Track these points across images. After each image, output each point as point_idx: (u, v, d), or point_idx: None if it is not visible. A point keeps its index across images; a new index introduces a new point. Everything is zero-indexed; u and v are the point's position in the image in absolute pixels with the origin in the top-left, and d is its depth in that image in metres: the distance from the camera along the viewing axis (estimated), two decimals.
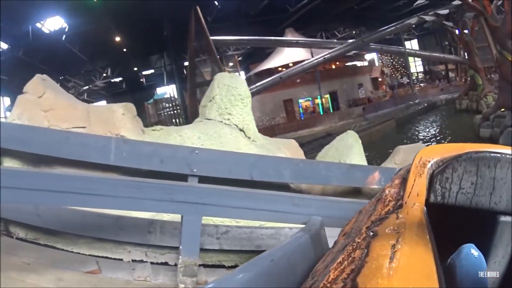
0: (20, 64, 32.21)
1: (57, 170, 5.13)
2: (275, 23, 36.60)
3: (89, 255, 4.72)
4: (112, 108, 5.81)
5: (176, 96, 37.18)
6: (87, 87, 42.83)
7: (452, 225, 1.86)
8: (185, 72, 33.84)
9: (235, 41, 30.72)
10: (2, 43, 30.82)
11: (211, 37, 25.18)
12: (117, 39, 31.35)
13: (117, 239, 4.58)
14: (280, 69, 38.82)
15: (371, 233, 1.51)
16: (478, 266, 1.48)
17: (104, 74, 41.64)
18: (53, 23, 29.65)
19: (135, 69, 42.74)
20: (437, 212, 1.71)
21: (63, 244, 4.88)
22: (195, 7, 24.83)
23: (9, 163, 5.47)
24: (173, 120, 33.50)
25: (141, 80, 45.08)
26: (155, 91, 46.07)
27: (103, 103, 42.87)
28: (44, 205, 4.65)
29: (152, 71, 43.91)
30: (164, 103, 35.70)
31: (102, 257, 4.60)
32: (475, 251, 1.50)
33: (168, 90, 42.00)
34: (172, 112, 34.62)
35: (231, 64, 42.11)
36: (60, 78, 37.47)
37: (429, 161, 1.78)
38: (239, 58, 43.76)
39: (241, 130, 5.88)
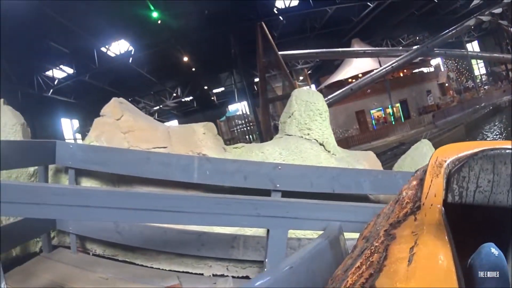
0: (87, 88, 33.36)
1: (145, 190, 5.28)
2: (340, 34, 36.41)
3: (169, 270, 4.93)
4: (193, 128, 6.01)
5: (248, 113, 37.27)
6: (157, 107, 43.53)
7: (471, 224, 1.83)
8: (255, 88, 33.92)
9: (303, 54, 30.60)
10: (68, 68, 31.86)
11: (280, 52, 25.16)
12: (185, 59, 31.73)
13: (199, 254, 4.73)
14: (350, 80, 38.58)
15: (389, 236, 1.55)
16: (498, 265, 1.46)
17: (174, 94, 42.22)
18: (118, 47, 30.24)
19: (206, 87, 43.13)
20: (455, 212, 1.70)
21: (142, 260, 5.11)
22: (260, 23, 24.92)
23: (88, 183, 5.74)
24: (246, 137, 33.66)
25: (212, 98, 45.48)
26: (227, 109, 46.50)
27: (174, 122, 43.53)
28: (126, 223, 4.88)
29: (222, 88, 44.25)
30: (236, 120, 36.02)
31: (183, 272, 4.72)
32: (495, 250, 1.48)
33: (239, 107, 42.23)
34: (245, 128, 34.92)
35: (301, 78, 42.03)
36: (130, 99, 38.38)
37: (445, 161, 1.78)
38: (309, 72, 43.65)
39: (321, 144, 5.86)
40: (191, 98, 44.71)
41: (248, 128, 34.82)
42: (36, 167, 5.82)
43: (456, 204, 1.68)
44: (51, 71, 32.56)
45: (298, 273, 2.24)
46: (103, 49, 30.01)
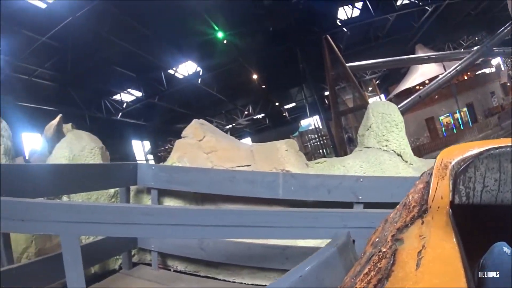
0: (157, 110, 34.21)
1: (231, 207, 5.51)
2: (404, 41, 36.00)
3: (252, 284, 5.11)
4: (276, 146, 6.13)
5: (320, 127, 37.21)
6: (230, 126, 43.92)
7: (481, 225, 1.82)
8: (326, 101, 33.84)
9: (370, 65, 30.25)
10: (136, 91, 32.79)
11: (347, 64, 25.01)
12: (254, 76, 31.97)
13: (283, 268, 4.72)
14: (417, 87, 38.01)
15: (397, 241, 1.54)
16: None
17: (246, 112, 42.38)
18: (186, 68, 30.70)
19: (277, 104, 43.22)
20: (463, 213, 1.70)
21: (225, 275, 5.31)
22: (325, 36, 24.90)
23: (170, 203, 5.95)
24: (319, 151, 33.57)
25: (284, 114, 45.57)
26: (299, 124, 46.49)
27: (247, 140, 43.89)
28: (212, 239, 5.09)
29: (293, 104, 44.25)
30: (309, 135, 36.01)
31: (265, 285, 4.86)
32: (507, 249, 1.47)
33: (311, 121, 42.16)
34: (318, 142, 34.98)
35: (370, 88, 41.71)
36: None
37: (451, 162, 1.76)
38: (377, 82, 43.20)
39: (398, 155, 5.92)
40: (263, 115, 44.86)
41: (322, 142, 34.71)
42: (117, 189, 6.11)
43: (463, 205, 1.69)
44: (118, 95, 33.52)
45: (307, 282, 2.30)
46: (171, 71, 30.64)
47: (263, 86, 35.14)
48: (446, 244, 1.33)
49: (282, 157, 5.92)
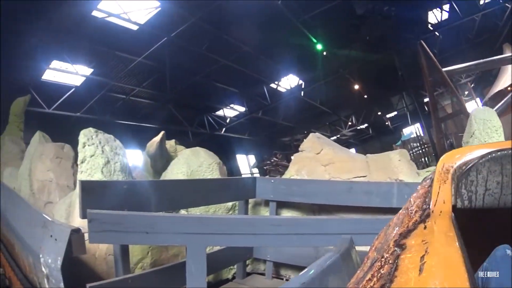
0: (261, 124, 34.84)
1: (347, 216, 5.90)
2: (492, 42, 34.79)
3: None
4: (389, 156, 6.51)
5: (422, 134, 36.45)
6: (335, 137, 43.76)
7: (484, 228, 1.88)
8: (426, 108, 33.11)
9: (463, 68, 29.33)
10: (239, 106, 33.46)
11: (443, 69, 24.50)
12: (356, 87, 31.85)
13: None
14: (509, 89, 36.50)
15: (399, 247, 1.54)
16: None
17: (350, 123, 41.97)
18: (288, 82, 30.85)
19: (379, 113, 42.70)
20: (466, 217, 1.75)
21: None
22: (420, 41, 24.58)
23: (288, 214, 6.38)
24: (421, 159, 32.96)
25: (386, 123, 44.86)
26: (401, 132, 45.58)
27: (352, 150, 43.46)
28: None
29: (395, 113, 43.49)
30: (412, 143, 35.34)
31: None
32: (510, 252, 1.53)
33: (413, 130, 41.27)
34: (420, 151, 34.38)
35: (466, 92, 40.41)
36: (305, 132, 38.87)
37: (452, 167, 1.80)
38: (472, 85, 41.72)
39: None
40: (366, 125, 44.33)
41: (424, 150, 34.02)
42: (235, 202, 6.64)
43: (466, 208, 1.74)
44: (221, 110, 34.27)
45: None
46: (273, 85, 31.03)
47: (365, 96, 34.84)
48: (449, 249, 1.38)
49: (396, 167, 6.23)
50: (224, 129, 35.50)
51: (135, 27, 21.45)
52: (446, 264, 1.29)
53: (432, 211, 1.72)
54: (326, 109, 36.34)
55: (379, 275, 1.44)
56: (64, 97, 26.60)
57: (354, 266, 2.79)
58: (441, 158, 1.91)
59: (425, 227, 1.62)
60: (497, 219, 1.82)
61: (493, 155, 1.71)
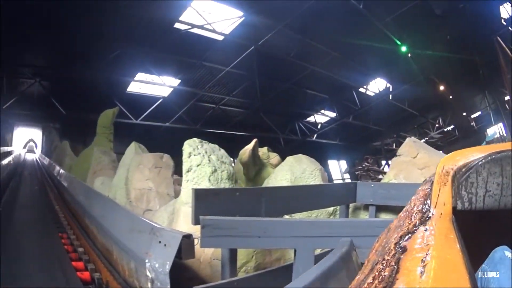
0: (352, 129, 35.37)
1: None
2: None
3: None
4: None
5: (505, 134, 35.29)
6: (423, 140, 43.09)
7: (485, 229, 1.85)
8: (507, 107, 32.03)
9: None
10: (330, 112, 33.77)
11: None
12: (441, 88, 31.24)
13: None
14: None
15: (400, 249, 1.54)
16: None
17: (437, 125, 41.35)
18: (376, 85, 30.87)
19: (464, 114, 41.68)
20: (467, 218, 1.72)
21: None
22: (496, 37, 23.78)
23: (387, 217, 6.37)
24: None
25: (471, 124, 43.78)
26: (486, 133, 44.29)
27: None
28: None
29: (479, 113, 42.41)
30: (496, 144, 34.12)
31: None
32: (509, 253, 1.53)
33: (496, 130, 40.08)
34: None
35: None
36: (394, 136, 38.95)
37: (452, 168, 1.75)
38: None
39: None
40: (452, 126, 43.42)
41: None
42: (335, 207, 6.64)
43: (466, 210, 1.70)
44: (312, 117, 34.85)
45: None
46: (362, 89, 30.97)
47: (450, 97, 34.06)
48: (450, 251, 1.39)
49: None
50: (315, 135, 35.84)
51: (220, 37, 21.97)
52: (447, 266, 1.31)
53: (433, 213, 1.69)
54: (413, 112, 35.90)
55: (380, 277, 1.46)
56: (152, 108, 27.41)
57: (354, 268, 2.81)
58: (441, 160, 1.86)
59: (425, 229, 1.60)
60: (498, 220, 1.82)
61: (493, 156, 1.68)
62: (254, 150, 9.73)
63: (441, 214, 1.64)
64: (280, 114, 32.66)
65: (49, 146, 30.84)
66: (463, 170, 1.68)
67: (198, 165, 5.96)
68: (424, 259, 1.35)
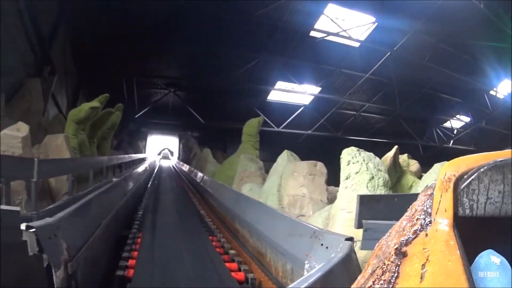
0: (485, 134, 33.69)
1: None
2: None
3: None
4: None
5: None
6: None
7: (485, 236, 1.74)
8: None
9: None
10: (464, 116, 32.78)
11: None
12: None
13: None
14: None
15: (401, 254, 1.53)
16: (503, 274, 1.43)
17: None
18: (505, 87, 29.26)
19: None
20: (467, 225, 1.65)
21: None
22: None
23: None
24: None
25: None
26: None
27: None
28: None
29: None
30: None
31: None
32: (496, 258, 1.46)
33: None
34: None
35: None
36: None
37: (454, 175, 1.69)
38: None
39: None
40: None
41: None
42: None
43: (467, 217, 1.65)
44: (449, 122, 33.95)
45: None
46: (492, 92, 29.72)
47: None
48: (450, 257, 1.38)
49: None
50: (451, 141, 35.01)
51: (356, 44, 22.17)
52: (447, 272, 1.31)
53: (434, 219, 1.67)
54: None
55: (380, 282, 1.47)
56: (294, 115, 27.82)
57: (355, 271, 2.77)
58: (443, 166, 1.80)
59: (426, 235, 1.60)
60: (498, 228, 1.75)
61: (495, 163, 1.65)
62: (395, 158, 9.73)
63: (442, 220, 1.64)
64: (417, 120, 32.24)
65: (187, 153, 31.97)
66: (465, 176, 1.68)
67: (356, 173, 6.17)
68: (424, 264, 1.39)
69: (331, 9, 19.84)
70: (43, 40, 16.76)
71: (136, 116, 28.77)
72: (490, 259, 1.46)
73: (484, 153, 1.73)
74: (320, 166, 9.35)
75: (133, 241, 6.59)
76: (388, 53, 22.50)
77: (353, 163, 6.22)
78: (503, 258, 1.45)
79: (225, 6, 18.93)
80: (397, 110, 28.05)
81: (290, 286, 2.13)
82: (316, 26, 20.73)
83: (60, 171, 8.62)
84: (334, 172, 8.98)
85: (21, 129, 8.63)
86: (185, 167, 24.31)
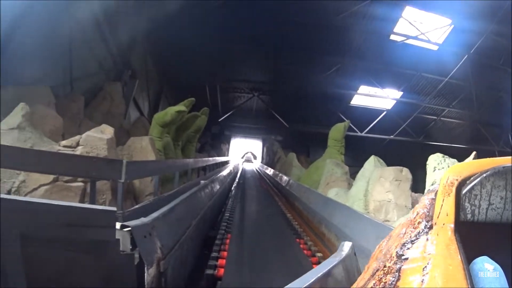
0: None
1: None
2: None
3: None
4: None
5: None
6: None
7: (486, 242, 1.65)
8: None
9: None
10: None
11: None
12: None
13: None
14: None
15: (402, 257, 1.53)
16: (497, 281, 1.37)
17: None
18: None
19: None
20: (469, 230, 1.59)
21: None
22: None
23: None
24: None
25: None
26: None
27: None
28: None
29: None
30: None
31: None
32: (489, 265, 1.41)
33: None
34: None
35: None
36: None
37: (457, 180, 1.64)
38: None
39: None
40: None
41: None
42: None
43: (468, 222, 1.62)
44: None
45: None
46: None
47: None
48: (451, 261, 1.38)
49: None
50: None
51: (434, 47, 21.79)
52: (448, 276, 1.31)
53: (435, 223, 1.67)
54: None
55: (382, 284, 1.49)
56: (376, 120, 27.65)
57: (354, 273, 2.79)
58: (446, 170, 1.77)
59: (427, 239, 1.59)
60: (499, 233, 1.68)
61: (498, 170, 1.61)
62: None
63: (444, 224, 1.63)
64: (493, 125, 31.07)
65: (271, 157, 32.27)
66: (468, 182, 1.65)
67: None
68: (425, 268, 1.38)
69: (409, 12, 19.76)
70: (122, 45, 17.30)
71: (220, 119, 29.25)
72: (484, 265, 1.44)
73: (487, 158, 1.73)
74: (406, 172, 9.31)
75: (222, 242, 6.70)
76: (466, 56, 22.10)
77: (438, 169, 6.14)
78: (497, 265, 1.43)
79: (308, 10, 19.00)
80: (475, 114, 27.31)
81: (289, 284, 2.09)
82: (395, 30, 20.70)
83: (146, 172, 8.80)
84: (414, 178, 9.32)
85: (105, 131, 8.85)
86: (269, 171, 24.57)
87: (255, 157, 41.81)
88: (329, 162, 15.96)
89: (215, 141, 35.76)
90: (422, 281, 1.32)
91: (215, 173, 15.22)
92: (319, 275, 2.28)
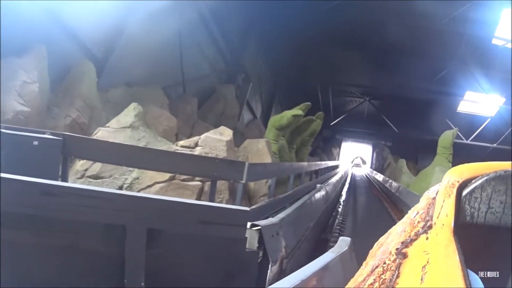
0: None
1: None
2: None
3: None
4: None
5: None
6: None
7: (485, 245, 1.71)
8: None
9: None
10: None
11: None
12: None
13: None
14: None
15: (401, 255, 1.54)
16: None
17: None
18: None
19: None
20: (467, 232, 1.59)
21: None
22: None
23: None
24: None
25: None
26: None
27: None
28: None
29: None
30: None
31: None
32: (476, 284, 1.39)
33: None
34: None
35: None
36: None
37: (458, 181, 1.64)
38: None
39: None
40: None
41: None
42: None
43: (467, 224, 1.60)
44: None
45: (308, 285, 2.20)
46: None
47: None
48: (450, 262, 1.36)
49: None
50: None
51: None
52: (447, 277, 1.30)
53: (435, 223, 1.66)
54: None
55: (381, 280, 1.50)
56: (482, 127, 26.90)
57: (351, 268, 2.70)
58: (448, 171, 1.80)
59: (427, 238, 1.60)
60: (498, 237, 1.70)
61: (500, 174, 1.61)
62: None
63: (443, 225, 1.62)
64: None
65: (381, 163, 32.10)
66: (469, 184, 1.65)
67: None
68: (424, 266, 1.38)
69: (507, 15, 18.95)
70: (233, 47, 17.72)
71: (332, 123, 29.41)
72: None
73: (489, 162, 1.75)
74: None
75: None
76: None
77: None
78: (475, 275, 1.48)
79: (415, 14, 18.88)
80: None
81: (287, 277, 2.21)
82: (496, 34, 20.17)
83: (265, 174, 9.02)
84: None
85: (224, 133, 9.23)
86: (379, 177, 24.36)
87: (364, 162, 41.68)
88: (438, 170, 15.87)
89: (326, 144, 35.99)
90: (421, 279, 1.36)
91: (328, 177, 15.37)
92: (316, 269, 2.38)
